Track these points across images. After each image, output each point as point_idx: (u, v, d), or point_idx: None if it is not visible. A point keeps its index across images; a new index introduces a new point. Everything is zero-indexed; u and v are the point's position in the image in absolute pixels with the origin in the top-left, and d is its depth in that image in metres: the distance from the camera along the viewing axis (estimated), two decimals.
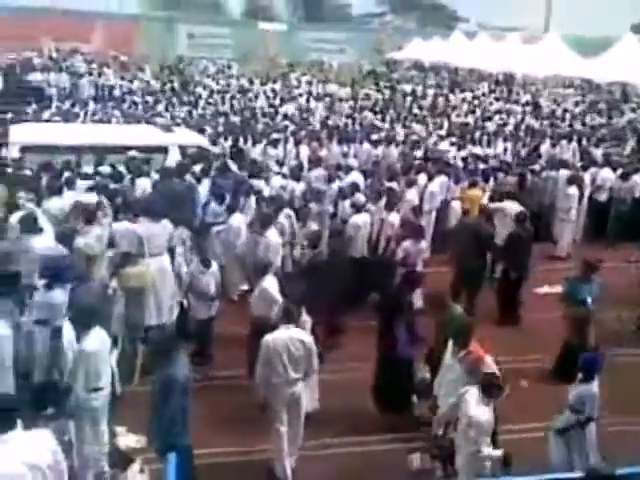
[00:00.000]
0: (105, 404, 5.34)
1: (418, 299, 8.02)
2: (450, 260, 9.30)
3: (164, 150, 10.75)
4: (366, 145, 14.32)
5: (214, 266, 7.38)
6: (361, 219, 8.92)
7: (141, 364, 6.89)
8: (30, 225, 6.85)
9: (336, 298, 7.66)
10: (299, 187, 10.44)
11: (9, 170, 9.46)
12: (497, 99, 24.79)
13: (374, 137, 14.88)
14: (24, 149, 9.97)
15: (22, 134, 10.85)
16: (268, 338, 5.55)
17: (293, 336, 5.56)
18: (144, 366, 6.78)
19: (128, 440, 4.49)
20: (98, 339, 5.25)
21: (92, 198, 8.13)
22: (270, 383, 5.54)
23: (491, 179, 11.79)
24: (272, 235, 8.01)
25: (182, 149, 10.89)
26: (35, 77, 22.51)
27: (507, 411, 5.33)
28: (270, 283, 6.65)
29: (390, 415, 6.48)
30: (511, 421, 5.75)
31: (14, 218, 7.26)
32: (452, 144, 14.67)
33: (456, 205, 11.09)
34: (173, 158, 10.52)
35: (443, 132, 16.77)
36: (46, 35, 34.87)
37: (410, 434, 6.23)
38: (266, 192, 9.74)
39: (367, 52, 40.22)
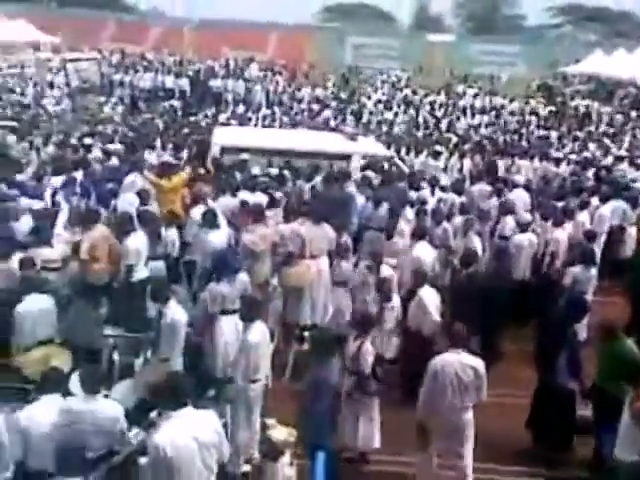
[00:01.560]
0: (260, 395, 5.59)
1: (583, 329, 7.46)
2: (623, 291, 8.55)
3: (347, 158, 10.89)
4: (533, 162, 13.66)
5: (395, 299, 6.81)
6: (526, 238, 8.51)
7: (293, 361, 7.13)
8: (210, 220, 7.38)
9: (492, 320, 7.35)
10: (459, 200, 10.19)
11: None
12: None
13: (542, 153, 14.14)
14: (223, 150, 10.66)
15: (223, 136, 11.63)
16: (436, 362, 5.17)
17: (463, 361, 5.18)
18: (295, 363, 7.02)
19: (279, 433, 4.63)
20: (260, 332, 5.49)
21: (261, 198, 8.61)
22: (434, 409, 5.22)
23: None
24: (421, 248, 7.73)
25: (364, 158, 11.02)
26: (215, 83, 24.39)
27: None
28: (427, 293, 6.53)
29: (545, 449, 6.09)
30: None
31: (195, 212, 7.91)
32: (637, 167, 13.48)
33: (632, 232, 10.18)
34: (355, 166, 10.68)
35: (623, 152, 15.46)
36: (226, 45, 37.76)
37: (565, 472, 5.83)
38: (430, 204, 9.61)
39: (540, 65, 38.29)
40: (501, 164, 13.41)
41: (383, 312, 6.58)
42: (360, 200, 9.49)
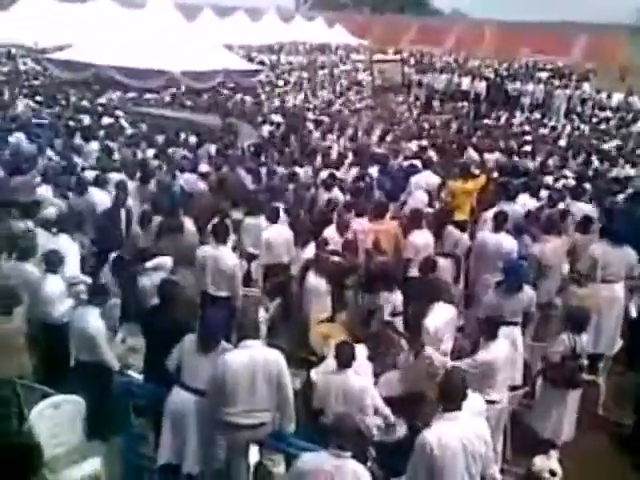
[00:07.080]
0: (498, 416, 5.19)
1: None
2: None
3: None
4: None
5: None
6: None
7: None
8: (499, 223, 7.26)
9: None
10: None
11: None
12: None
13: None
14: None
15: None
16: None
17: None
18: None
19: (545, 463, 4.32)
20: (495, 351, 5.13)
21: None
22: None
23: None
24: None
25: None
26: (514, 86, 23.56)
27: None
28: None
29: None
30: None
31: (485, 215, 7.91)
32: None
33: None
34: None
35: None
36: (527, 47, 36.36)
37: None
38: None
39: None
40: None
41: None
42: None
